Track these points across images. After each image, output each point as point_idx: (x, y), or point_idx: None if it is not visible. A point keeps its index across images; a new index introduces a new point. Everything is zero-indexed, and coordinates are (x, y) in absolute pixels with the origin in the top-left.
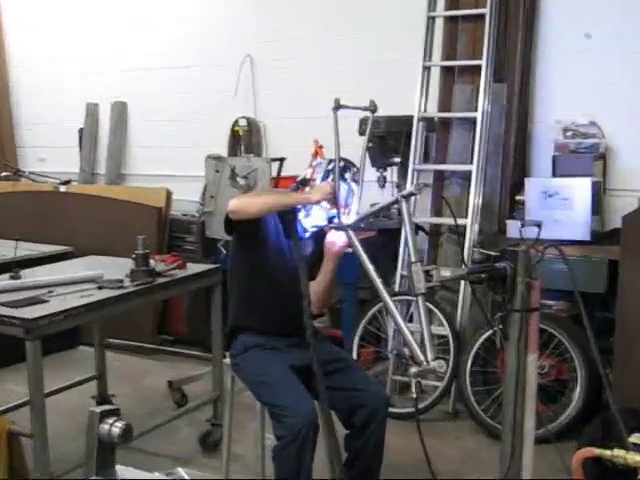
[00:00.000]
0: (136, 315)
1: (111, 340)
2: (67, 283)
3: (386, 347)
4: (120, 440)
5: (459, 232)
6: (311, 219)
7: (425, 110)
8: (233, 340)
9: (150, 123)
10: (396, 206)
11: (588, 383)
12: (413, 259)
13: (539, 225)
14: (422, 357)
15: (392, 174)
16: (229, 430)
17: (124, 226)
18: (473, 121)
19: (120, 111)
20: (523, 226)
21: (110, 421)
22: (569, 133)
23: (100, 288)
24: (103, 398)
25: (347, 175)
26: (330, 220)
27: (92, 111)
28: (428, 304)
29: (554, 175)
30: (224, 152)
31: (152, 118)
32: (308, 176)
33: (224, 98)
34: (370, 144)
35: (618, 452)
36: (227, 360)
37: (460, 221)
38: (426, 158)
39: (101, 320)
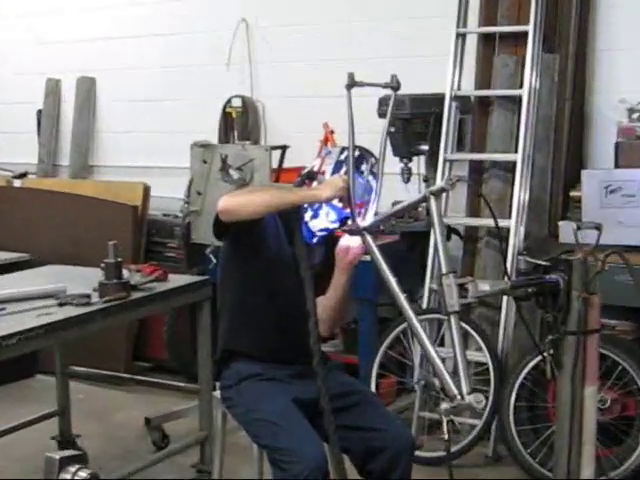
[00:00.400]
0: (106, 338)
1: (76, 368)
2: (22, 299)
3: (411, 377)
4: None
5: (501, 236)
6: (320, 221)
7: (459, 87)
8: (224, 368)
9: (124, 103)
10: (424, 205)
11: None
12: (444, 269)
13: (599, 228)
14: (455, 390)
15: (419, 165)
16: (219, 478)
17: (92, 229)
18: (518, 100)
19: (87, 88)
20: (579, 229)
21: (72, 469)
22: (635, 115)
23: (62, 305)
24: (66, 439)
25: (364, 167)
26: (343, 222)
27: (53, 88)
28: (463, 324)
29: (617, 166)
30: (214, 138)
31: (126, 97)
32: (316, 168)
33: (214, 72)
34: (392, 129)
35: None
36: (217, 393)
37: (502, 223)
38: (460, 146)
39: (64, 344)
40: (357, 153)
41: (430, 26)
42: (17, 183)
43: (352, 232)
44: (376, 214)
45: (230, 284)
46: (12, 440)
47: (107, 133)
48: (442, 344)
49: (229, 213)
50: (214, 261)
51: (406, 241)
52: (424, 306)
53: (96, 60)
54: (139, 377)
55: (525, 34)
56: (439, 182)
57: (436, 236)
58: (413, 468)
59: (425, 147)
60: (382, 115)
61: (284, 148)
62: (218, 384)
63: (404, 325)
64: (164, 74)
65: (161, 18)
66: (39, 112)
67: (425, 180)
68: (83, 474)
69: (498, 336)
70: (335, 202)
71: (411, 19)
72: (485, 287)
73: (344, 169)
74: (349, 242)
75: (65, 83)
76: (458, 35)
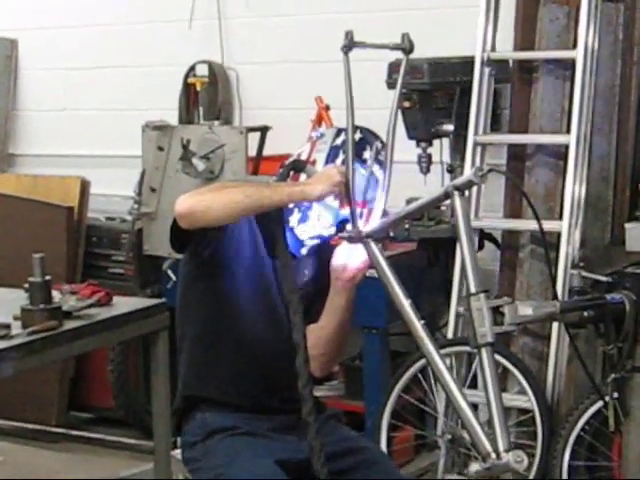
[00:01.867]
0: (33, 380)
1: None
2: None
3: (434, 429)
4: None
5: (549, 244)
6: (310, 226)
7: (493, 48)
8: (187, 420)
9: (54, 72)
10: (447, 203)
11: None
12: (473, 288)
13: None
14: (489, 446)
15: (441, 151)
16: None
17: (13, 237)
18: (570, 65)
19: (6, 54)
20: None
21: None
22: None
23: None
24: None
25: (367, 154)
26: (340, 226)
27: None
28: (500, 359)
29: None
30: (172, 118)
31: (57, 65)
32: (305, 156)
33: (172, 32)
34: (405, 104)
35: None
36: (177, 452)
37: (550, 226)
38: (495, 125)
39: None
40: (358, 136)
41: None
42: None
43: (352, 240)
44: (384, 215)
45: (193, 310)
46: None
47: (32, 112)
48: (473, 385)
49: (191, 217)
50: (173, 279)
51: (425, 251)
52: (449, 336)
53: (18, 16)
54: (76, 432)
55: None
56: (467, 173)
57: (462, 244)
58: None
59: (449, 127)
60: (392, 86)
61: (264, 130)
62: (179, 440)
63: (423, 361)
64: (107, 35)
65: None
66: None
67: (450, 170)
68: None
69: (546, 375)
70: (330, 200)
71: None
72: (528, 311)
73: (341, 157)
74: (349, 253)
75: None
76: None
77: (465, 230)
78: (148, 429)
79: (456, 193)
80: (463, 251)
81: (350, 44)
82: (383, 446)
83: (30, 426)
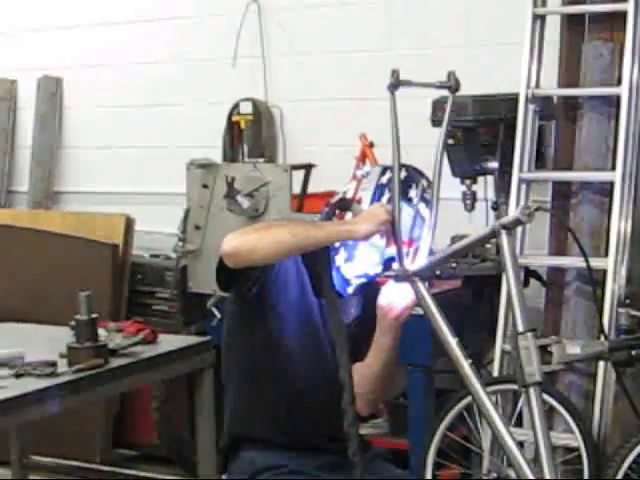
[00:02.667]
0: (78, 418)
1: (37, 458)
2: None
3: (479, 467)
4: None
5: (595, 281)
6: (356, 265)
7: (537, 85)
8: (233, 459)
9: (99, 110)
10: (493, 241)
11: None
12: (521, 327)
13: None
14: None
15: (486, 188)
16: None
17: (58, 275)
18: (615, 101)
19: (51, 92)
20: None
21: None
22: None
23: (19, 376)
24: None
25: (413, 192)
26: (386, 265)
27: (7, 92)
28: (546, 398)
29: None
30: (217, 156)
31: (101, 102)
32: (350, 194)
33: (216, 70)
34: (450, 141)
35: None
36: None
37: (596, 263)
38: (540, 162)
39: (21, 427)
40: (404, 174)
41: (499, 5)
42: None
43: (399, 278)
44: (430, 254)
45: (239, 348)
46: None
47: (77, 149)
48: (519, 424)
49: (237, 256)
50: (218, 316)
51: (471, 288)
52: (495, 374)
53: (63, 55)
54: (120, 469)
55: (623, 14)
56: (513, 211)
57: (509, 282)
58: None
59: (494, 164)
60: (437, 123)
61: (308, 168)
62: (225, 478)
63: (468, 399)
64: (151, 73)
65: (149, 1)
66: None
67: (494, 208)
68: None
69: (593, 413)
70: (376, 239)
71: None
72: (575, 350)
73: (387, 195)
74: (395, 292)
75: (23, 84)
76: (536, 17)
77: (512, 268)
78: (192, 467)
79: (503, 231)
80: (511, 289)
81: (396, 83)
82: None
83: (75, 463)
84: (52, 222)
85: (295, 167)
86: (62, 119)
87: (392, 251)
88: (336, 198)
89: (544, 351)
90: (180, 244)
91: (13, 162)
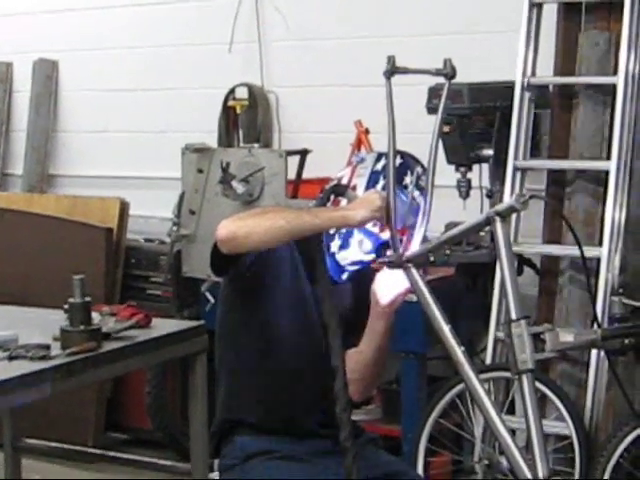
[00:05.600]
0: (71, 401)
1: (30, 440)
2: None
3: (471, 454)
4: None
5: (589, 270)
6: (351, 251)
7: (533, 74)
8: (225, 443)
9: (94, 94)
10: (487, 228)
11: None
12: (514, 314)
13: None
14: (528, 473)
15: (480, 176)
16: None
17: (52, 258)
18: (611, 90)
19: (47, 75)
20: None
21: None
22: None
23: (12, 359)
24: None
25: (408, 179)
26: (379, 252)
27: (2, 74)
28: (539, 386)
29: None
30: (212, 141)
31: (97, 86)
32: (345, 180)
33: (213, 55)
34: (445, 128)
35: None
36: (215, 475)
37: (590, 252)
38: (535, 150)
39: (14, 410)
40: (399, 160)
41: None
42: None
43: (393, 265)
44: (424, 241)
45: (232, 334)
46: None
47: (73, 133)
48: (511, 411)
49: (232, 242)
50: (212, 301)
51: (464, 276)
52: (488, 361)
53: (59, 38)
54: (113, 453)
55: (620, 3)
56: (507, 199)
57: (503, 270)
58: None
59: (489, 152)
60: (433, 110)
61: (304, 153)
62: (217, 463)
63: (461, 386)
64: (147, 57)
65: None
66: None
67: (489, 195)
68: None
69: (585, 401)
70: (370, 226)
71: None
72: (569, 338)
73: (382, 182)
74: (389, 279)
75: (18, 67)
76: (532, 5)
77: (507, 256)
78: (184, 451)
79: (497, 219)
80: (504, 277)
81: (392, 69)
82: (420, 471)
83: (67, 446)
84: (47, 205)
85: (290, 153)
86: (57, 102)
87: (386, 236)
88: (331, 184)
89: (537, 339)
90: (174, 228)
91: (8, 145)
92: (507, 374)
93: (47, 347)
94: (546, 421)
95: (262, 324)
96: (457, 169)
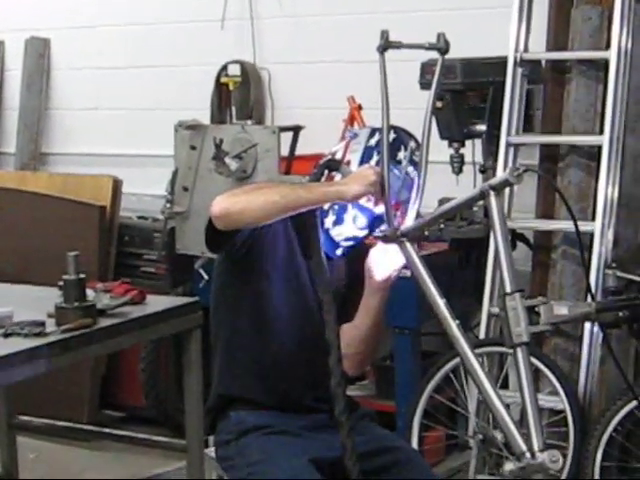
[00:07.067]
0: (66, 379)
1: (24, 418)
2: None
3: (465, 429)
4: None
5: (582, 244)
6: (345, 227)
7: (526, 49)
8: (221, 419)
9: (86, 72)
10: (480, 203)
11: None
12: (509, 288)
13: None
14: (523, 445)
15: (474, 151)
16: None
17: (46, 236)
18: (604, 65)
19: (39, 53)
20: None
21: None
22: None
23: (7, 336)
24: None
25: (401, 154)
26: (373, 227)
27: None
28: (533, 360)
29: None
30: (205, 118)
31: (89, 64)
32: (339, 156)
33: (205, 32)
34: (439, 104)
35: None
36: (211, 450)
37: (583, 226)
38: (528, 125)
39: (9, 387)
40: (393, 136)
41: None
42: None
43: (387, 239)
44: (418, 216)
45: (227, 310)
46: None
47: (65, 111)
48: (505, 386)
49: (227, 218)
50: (205, 278)
51: (458, 251)
52: (482, 336)
53: (51, 16)
54: (108, 430)
55: None
56: (501, 173)
57: (497, 244)
58: None
59: (482, 127)
60: (426, 86)
61: (296, 129)
62: (212, 439)
63: (455, 361)
64: (139, 34)
65: None
66: None
67: (482, 171)
68: None
69: (579, 376)
70: (363, 201)
71: None
72: (564, 311)
73: (376, 157)
74: (383, 254)
75: (10, 46)
76: None
77: (501, 229)
78: (179, 427)
79: (492, 193)
80: (499, 250)
81: (386, 44)
82: (414, 446)
83: (62, 424)
84: (39, 183)
85: (283, 129)
86: (50, 80)
87: (380, 213)
88: (325, 159)
89: (532, 312)
90: (168, 206)
91: (0, 124)
92: (501, 349)
93: (42, 324)
94: (540, 395)
95: (257, 300)
96: (450, 145)
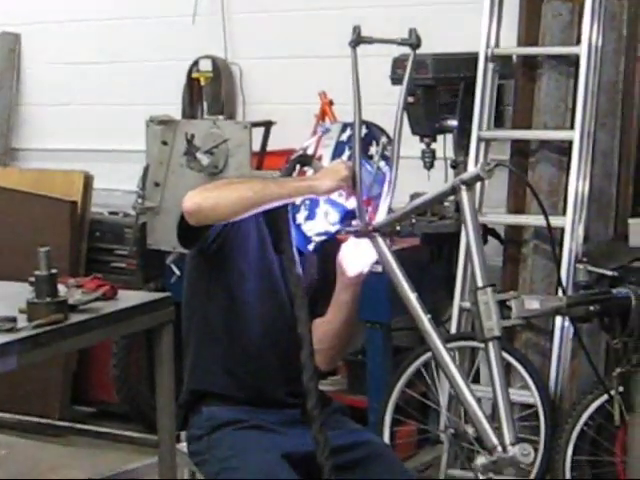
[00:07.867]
0: (37, 374)
1: None
2: None
3: (437, 424)
4: None
5: (553, 239)
6: (317, 222)
7: (497, 44)
8: (193, 414)
9: (57, 67)
10: (452, 198)
11: None
12: (480, 282)
13: None
14: (495, 440)
15: (445, 146)
16: None
17: (16, 231)
18: (574, 61)
19: (9, 48)
20: None
21: None
22: None
23: None
24: None
25: (373, 149)
26: (345, 220)
27: None
28: (505, 354)
29: None
30: (176, 113)
31: (60, 59)
32: (310, 151)
33: (176, 27)
34: (410, 99)
35: None
36: (183, 446)
37: (553, 221)
38: (499, 120)
39: None
40: (364, 131)
41: None
42: None
43: (359, 234)
44: (390, 211)
45: (198, 305)
46: None
47: (36, 106)
48: (477, 380)
49: (199, 214)
50: (177, 273)
51: (429, 246)
52: (453, 330)
53: (21, 11)
54: (79, 425)
55: None
56: (472, 168)
57: (469, 239)
58: None
59: (453, 123)
60: (397, 81)
61: (268, 125)
62: (184, 434)
63: (427, 356)
64: (110, 29)
65: None
66: None
67: (453, 166)
68: None
69: (549, 370)
70: (335, 196)
71: None
72: (535, 305)
73: (347, 152)
74: (355, 249)
75: None
76: None
77: (472, 224)
78: (150, 423)
79: (463, 187)
80: (470, 244)
81: (358, 39)
82: (386, 440)
83: (33, 419)
84: (10, 179)
85: (255, 124)
86: (20, 75)
87: (351, 208)
88: (296, 155)
89: (503, 306)
90: (139, 201)
91: None
92: (472, 343)
93: (13, 319)
94: (511, 390)
95: (229, 294)
96: (421, 140)
